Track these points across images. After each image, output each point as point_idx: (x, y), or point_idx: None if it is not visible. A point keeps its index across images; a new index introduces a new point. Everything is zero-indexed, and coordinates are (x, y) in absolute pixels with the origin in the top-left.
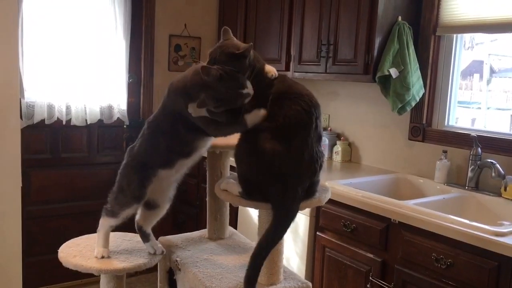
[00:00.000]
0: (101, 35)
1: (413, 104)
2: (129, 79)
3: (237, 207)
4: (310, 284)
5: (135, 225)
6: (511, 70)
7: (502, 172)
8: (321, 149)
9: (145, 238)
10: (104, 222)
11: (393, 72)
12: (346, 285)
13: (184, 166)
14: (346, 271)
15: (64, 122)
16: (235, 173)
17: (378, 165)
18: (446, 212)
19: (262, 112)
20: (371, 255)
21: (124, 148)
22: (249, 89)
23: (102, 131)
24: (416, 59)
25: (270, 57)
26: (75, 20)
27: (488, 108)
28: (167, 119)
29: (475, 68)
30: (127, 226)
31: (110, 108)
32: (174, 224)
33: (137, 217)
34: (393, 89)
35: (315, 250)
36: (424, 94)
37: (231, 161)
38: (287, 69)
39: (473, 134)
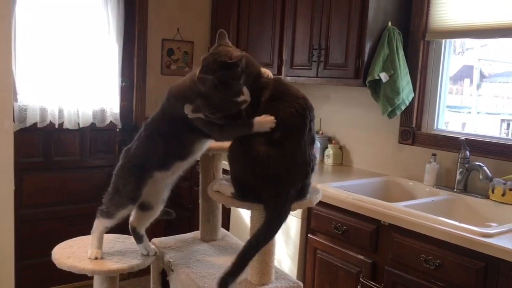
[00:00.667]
0: (94, 39)
1: (403, 108)
2: (121, 82)
3: (229, 209)
4: (301, 284)
5: (129, 227)
6: (501, 75)
7: (490, 174)
8: (314, 152)
9: (138, 239)
10: (99, 224)
11: (383, 77)
12: (337, 287)
13: (180, 169)
14: (337, 273)
15: (56, 126)
16: (228, 175)
17: (369, 168)
18: (435, 214)
19: (271, 118)
20: (361, 257)
21: (116, 152)
22: (245, 96)
23: (94, 134)
24: (405, 63)
25: (262, 61)
26: (68, 24)
27: (478, 113)
28: (166, 122)
29: (465, 73)
30: (121, 228)
31: (102, 111)
32: (166, 227)
33: (131, 218)
34: (383, 93)
35: (307, 252)
36: (413, 98)
37: (224, 163)
38: (279, 73)
39: (461, 137)
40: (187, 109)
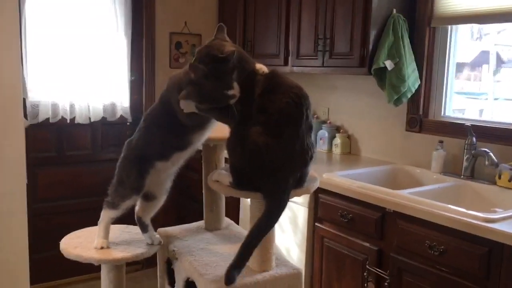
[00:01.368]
0: (103, 34)
1: (409, 95)
2: (131, 77)
3: (238, 200)
4: (301, 270)
5: (135, 217)
6: None
7: (495, 160)
8: (312, 139)
9: (144, 229)
10: (105, 214)
11: (388, 64)
12: (344, 274)
13: (180, 159)
14: (344, 260)
15: (68, 121)
16: (227, 165)
17: (376, 157)
18: (441, 200)
19: None
20: (367, 244)
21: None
22: (235, 90)
23: (105, 128)
24: (411, 51)
25: (269, 52)
26: (77, 20)
27: (496, 99)
28: (164, 113)
29: (483, 58)
30: (127, 219)
31: (113, 105)
32: (176, 219)
33: (137, 208)
34: (389, 81)
35: (314, 241)
36: (420, 86)
37: (226, 153)
38: (286, 63)
39: (467, 123)
40: (183, 104)
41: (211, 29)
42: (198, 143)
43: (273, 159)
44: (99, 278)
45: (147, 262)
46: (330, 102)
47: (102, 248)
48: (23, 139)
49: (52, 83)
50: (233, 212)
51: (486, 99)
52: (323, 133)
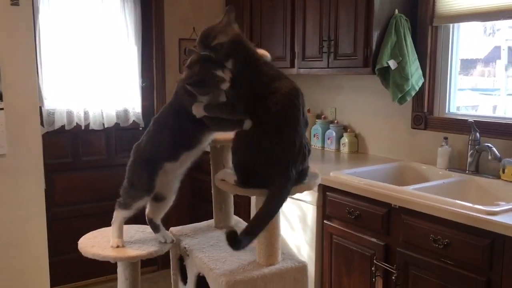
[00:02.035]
0: (114, 43)
1: (413, 93)
2: (142, 83)
3: (249, 199)
4: (306, 263)
5: (146, 218)
6: None
7: (498, 155)
8: (306, 135)
9: (155, 229)
10: (118, 215)
11: (392, 64)
12: (352, 270)
13: (188, 159)
14: (352, 256)
15: (83, 127)
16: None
17: (383, 154)
18: (446, 196)
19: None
20: (374, 240)
21: None
22: (225, 74)
23: (119, 134)
24: (414, 50)
25: (275, 55)
26: (89, 31)
27: (510, 95)
28: (173, 114)
29: (497, 54)
30: (141, 219)
31: (125, 111)
32: (189, 219)
33: (147, 210)
34: (393, 80)
35: (323, 238)
36: (424, 84)
37: None
38: (292, 66)
39: (470, 119)
40: (195, 109)
41: None
42: (206, 143)
43: (276, 156)
44: (115, 279)
45: (163, 263)
46: (337, 102)
47: (118, 246)
48: (41, 146)
49: (67, 91)
50: (244, 211)
51: (499, 95)
52: (331, 132)
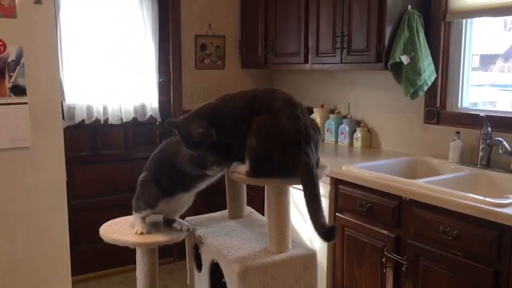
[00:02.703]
0: (132, 40)
1: (425, 88)
2: (159, 79)
3: (263, 192)
4: (315, 251)
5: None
6: None
7: (509, 149)
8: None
9: (171, 221)
10: (135, 214)
11: (404, 59)
12: (364, 261)
13: (184, 198)
14: (364, 248)
15: (102, 122)
16: None
17: (396, 149)
18: (456, 189)
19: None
20: (385, 232)
21: (157, 143)
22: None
23: (136, 128)
24: (426, 45)
25: (290, 51)
26: (108, 27)
27: None
28: (166, 163)
29: None
30: None
31: (143, 107)
32: (206, 212)
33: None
34: (405, 75)
35: None
36: (436, 79)
37: None
38: (306, 61)
39: (482, 114)
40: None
41: (234, 30)
42: (202, 187)
43: (288, 136)
44: (133, 270)
45: (179, 255)
46: (351, 97)
47: (142, 233)
48: (62, 139)
49: (87, 87)
50: (259, 204)
51: None
52: (344, 127)
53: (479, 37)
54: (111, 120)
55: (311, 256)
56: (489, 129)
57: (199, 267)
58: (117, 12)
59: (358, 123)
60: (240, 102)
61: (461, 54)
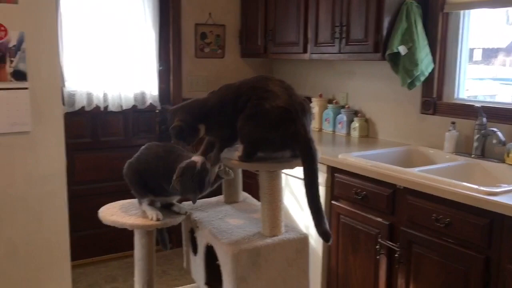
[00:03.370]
0: (133, 27)
1: (422, 79)
2: (159, 67)
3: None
4: (308, 235)
5: None
6: None
7: (503, 139)
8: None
9: (170, 205)
10: (140, 201)
11: (402, 49)
12: (358, 248)
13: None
14: (358, 235)
15: (102, 109)
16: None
17: (393, 139)
18: (450, 178)
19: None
20: (379, 219)
21: (157, 131)
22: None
23: (136, 115)
24: (424, 36)
25: (289, 40)
26: (109, 15)
27: None
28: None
29: None
30: None
31: (143, 94)
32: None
33: None
34: (402, 65)
35: (331, 218)
36: (434, 69)
37: None
38: (305, 51)
39: (477, 105)
40: None
41: (234, 19)
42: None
43: (283, 108)
44: (132, 255)
45: (176, 242)
46: (349, 87)
47: (158, 219)
48: (62, 125)
49: (87, 74)
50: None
51: None
52: (342, 117)
53: (481, 30)
54: (111, 107)
55: (304, 240)
56: (484, 119)
57: (195, 250)
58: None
59: (355, 113)
60: (226, 92)
61: (458, 45)
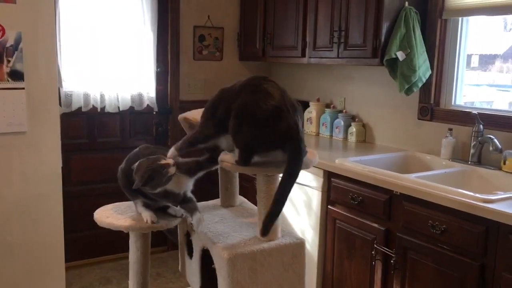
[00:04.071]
0: (131, 28)
1: (420, 85)
2: (157, 68)
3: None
4: (304, 240)
5: None
6: None
7: (499, 146)
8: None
9: (165, 208)
10: (134, 203)
11: (400, 55)
12: (354, 253)
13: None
14: (354, 240)
15: (99, 110)
16: None
17: (390, 144)
18: (446, 185)
19: None
20: (376, 225)
21: (153, 133)
22: (167, 160)
23: (133, 117)
24: (422, 42)
25: (287, 44)
26: (107, 16)
27: None
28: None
29: None
30: None
31: (140, 96)
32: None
33: None
34: (400, 71)
35: (327, 223)
36: (431, 76)
37: None
38: (303, 55)
39: (474, 112)
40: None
41: (233, 22)
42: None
43: (274, 106)
44: (127, 257)
45: (172, 245)
46: (347, 92)
47: (152, 222)
48: (58, 125)
49: (84, 74)
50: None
51: None
52: (339, 122)
53: (479, 37)
54: (108, 108)
55: (300, 245)
56: (481, 126)
57: (191, 254)
58: (116, 1)
59: (353, 118)
60: (230, 91)
61: (456, 52)
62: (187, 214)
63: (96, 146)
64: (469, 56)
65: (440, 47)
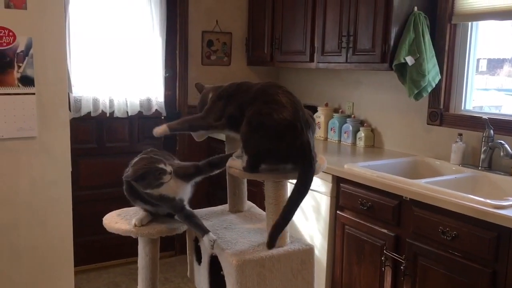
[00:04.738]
0: (140, 34)
1: (429, 90)
2: (165, 73)
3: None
4: (313, 246)
5: None
6: None
7: (510, 152)
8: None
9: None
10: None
11: (409, 60)
12: (363, 259)
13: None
14: (363, 246)
15: (108, 114)
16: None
17: (399, 149)
18: (457, 190)
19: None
20: (385, 231)
21: (162, 138)
22: (166, 167)
23: (142, 122)
24: (431, 47)
25: (295, 49)
26: (116, 21)
27: None
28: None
29: None
30: None
31: (148, 100)
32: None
33: None
34: (409, 76)
35: (336, 228)
36: (441, 80)
37: None
38: (312, 60)
39: (485, 117)
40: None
41: (241, 27)
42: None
43: (288, 120)
44: (135, 262)
45: (180, 249)
46: (355, 97)
47: (135, 225)
48: (68, 130)
49: (94, 80)
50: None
51: None
52: (348, 126)
53: (487, 41)
54: (117, 113)
55: (309, 251)
56: (491, 131)
57: (199, 259)
58: (125, 6)
59: (361, 123)
60: (246, 93)
61: (465, 56)
62: (197, 231)
63: (105, 151)
64: (477, 61)
65: (449, 52)
